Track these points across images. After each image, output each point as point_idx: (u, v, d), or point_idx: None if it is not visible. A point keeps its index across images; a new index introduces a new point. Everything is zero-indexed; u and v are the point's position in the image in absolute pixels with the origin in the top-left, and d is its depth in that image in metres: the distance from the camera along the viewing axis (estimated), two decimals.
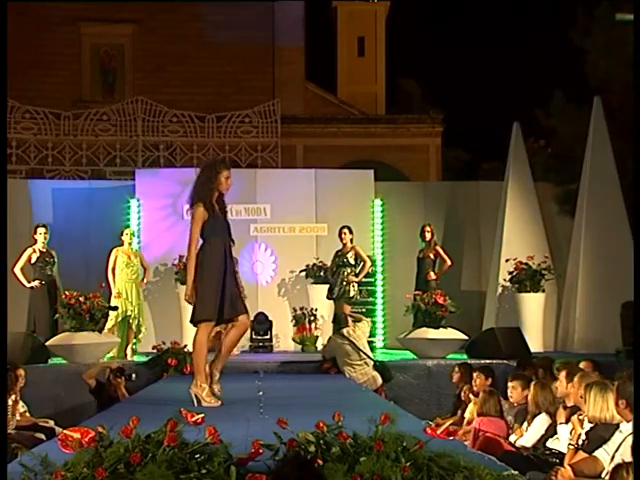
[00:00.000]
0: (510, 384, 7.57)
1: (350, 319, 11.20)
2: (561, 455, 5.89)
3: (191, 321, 6.91)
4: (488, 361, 10.14)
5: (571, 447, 5.45)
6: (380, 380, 10.06)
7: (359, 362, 10.10)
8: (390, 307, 13.75)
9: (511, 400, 7.58)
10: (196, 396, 6.66)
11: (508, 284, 12.84)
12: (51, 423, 8.68)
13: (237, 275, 7.12)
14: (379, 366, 10.18)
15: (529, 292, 12.58)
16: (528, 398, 6.97)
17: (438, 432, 3.87)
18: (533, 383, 7.10)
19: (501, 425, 7.22)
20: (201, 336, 6.81)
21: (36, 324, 11.40)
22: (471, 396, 8.28)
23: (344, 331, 10.44)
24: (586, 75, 15.36)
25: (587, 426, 5.56)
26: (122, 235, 12.01)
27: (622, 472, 4.27)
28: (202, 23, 27.15)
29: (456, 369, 9.19)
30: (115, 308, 11.43)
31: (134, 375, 9.61)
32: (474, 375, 8.41)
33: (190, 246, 6.80)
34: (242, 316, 6.89)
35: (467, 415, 8.09)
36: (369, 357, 10.24)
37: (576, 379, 6.25)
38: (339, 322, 10.82)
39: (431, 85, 31.31)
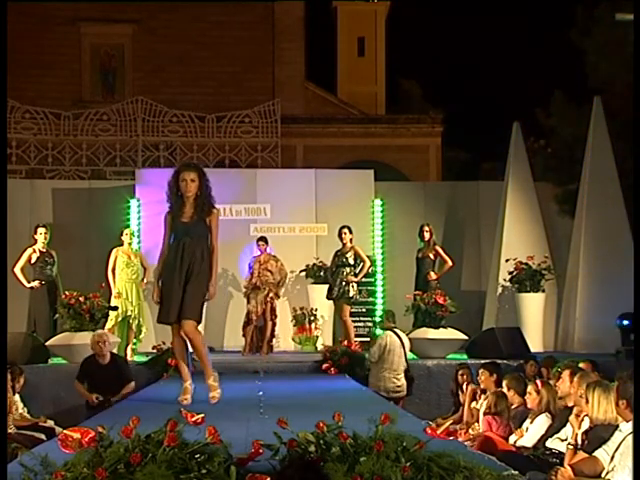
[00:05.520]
0: (504, 383, 7.57)
1: (349, 320, 11.09)
2: (561, 455, 5.88)
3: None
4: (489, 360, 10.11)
5: (571, 447, 5.45)
6: (405, 392, 9.93)
7: (399, 370, 9.89)
8: (390, 307, 13.70)
9: None
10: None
11: (508, 284, 12.85)
12: (51, 423, 8.68)
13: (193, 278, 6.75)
14: (409, 377, 10.03)
15: (529, 292, 12.58)
16: (532, 398, 6.94)
17: (438, 432, 3.86)
18: (541, 382, 7.08)
19: (504, 425, 7.22)
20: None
21: (36, 324, 11.38)
22: (479, 392, 8.23)
23: (398, 331, 10.21)
24: (586, 75, 15.35)
25: (585, 426, 5.56)
26: (122, 235, 12.00)
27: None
28: (202, 23, 27.15)
29: (460, 371, 9.11)
30: (115, 308, 11.42)
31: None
32: (479, 372, 8.39)
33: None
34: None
35: (466, 417, 8.07)
36: (408, 366, 10.10)
37: (576, 379, 6.25)
38: (391, 318, 10.48)
39: (431, 85, 31.36)
